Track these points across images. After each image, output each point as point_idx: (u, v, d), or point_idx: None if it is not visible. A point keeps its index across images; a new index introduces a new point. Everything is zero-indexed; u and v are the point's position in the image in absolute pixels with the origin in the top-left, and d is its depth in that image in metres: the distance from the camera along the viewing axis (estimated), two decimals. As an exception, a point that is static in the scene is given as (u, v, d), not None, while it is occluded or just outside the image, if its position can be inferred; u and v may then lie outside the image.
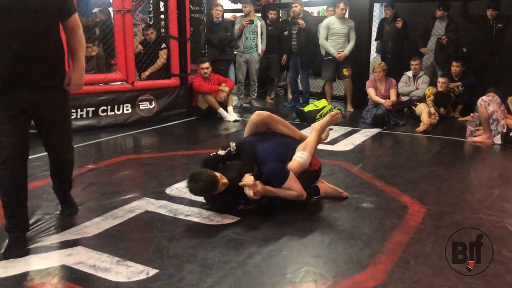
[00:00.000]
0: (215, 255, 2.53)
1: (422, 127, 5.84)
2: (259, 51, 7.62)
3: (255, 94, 7.99)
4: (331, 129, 5.82)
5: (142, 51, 6.34)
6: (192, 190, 3.01)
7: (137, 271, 2.35)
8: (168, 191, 3.57)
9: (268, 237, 2.76)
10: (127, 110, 6.08)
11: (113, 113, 5.95)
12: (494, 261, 2.43)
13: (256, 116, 3.37)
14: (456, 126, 6.22)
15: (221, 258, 2.50)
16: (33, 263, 2.45)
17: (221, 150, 3.16)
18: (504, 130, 5.07)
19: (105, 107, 5.85)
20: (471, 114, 5.49)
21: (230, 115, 6.57)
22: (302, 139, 3.38)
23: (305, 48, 7.41)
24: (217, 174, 2.95)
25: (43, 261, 2.46)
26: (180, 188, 3.61)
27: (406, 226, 2.94)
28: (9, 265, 2.42)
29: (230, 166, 3.05)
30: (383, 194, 3.55)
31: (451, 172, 4.14)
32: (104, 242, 2.69)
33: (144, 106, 6.25)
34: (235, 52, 7.53)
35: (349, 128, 6.00)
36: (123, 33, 5.79)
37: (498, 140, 5.12)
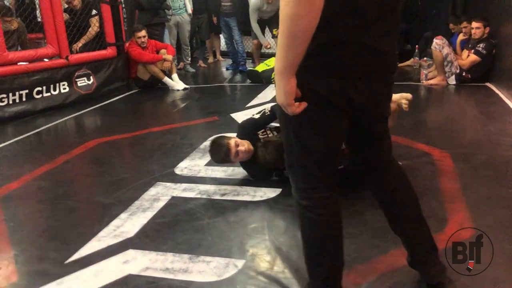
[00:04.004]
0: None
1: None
2: (189, 11, 7.12)
3: (189, 59, 7.52)
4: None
5: (69, 21, 5.53)
6: (213, 159, 2.90)
7: (222, 266, 2.05)
8: (178, 171, 3.18)
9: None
10: (64, 89, 5.33)
11: (49, 94, 5.17)
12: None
13: None
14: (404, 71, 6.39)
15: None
16: (88, 280, 1.99)
17: (256, 114, 2.99)
18: (458, 71, 5.34)
19: (39, 88, 5.05)
20: (424, 58, 5.69)
21: (177, 83, 6.10)
22: None
23: (241, 9, 7.05)
24: (232, 142, 2.75)
25: (99, 275, 2.02)
26: (189, 167, 3.24)
27: (446, 173, 2.94)
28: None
29: (268, 142, 2.80)
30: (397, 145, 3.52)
31: (435, 115, 4.26)
32: (155, 240, 2.30)
33: (82, 82, 5.52)
34: (170, 14, 6.88)
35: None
36: (49, 0, 4.98)
37: (452, 80, 5.39)
